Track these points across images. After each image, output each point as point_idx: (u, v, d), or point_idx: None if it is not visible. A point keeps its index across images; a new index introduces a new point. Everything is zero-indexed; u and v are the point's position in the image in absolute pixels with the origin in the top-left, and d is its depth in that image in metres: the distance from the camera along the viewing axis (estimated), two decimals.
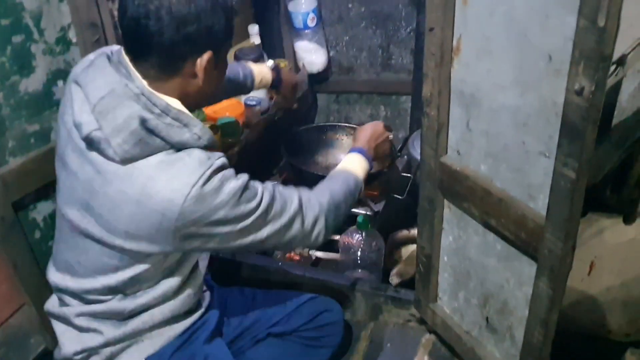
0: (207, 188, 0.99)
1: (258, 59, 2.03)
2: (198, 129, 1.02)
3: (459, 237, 1.32)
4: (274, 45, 2.34)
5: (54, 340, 1.39)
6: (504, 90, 1.06)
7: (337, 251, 1.83)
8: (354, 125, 2.20)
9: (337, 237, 1.79)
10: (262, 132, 2.08)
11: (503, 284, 1.22)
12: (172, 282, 1.16)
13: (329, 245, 1.89)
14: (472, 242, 1.28)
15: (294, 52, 2.37)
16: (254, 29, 2.16)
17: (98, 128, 0.98)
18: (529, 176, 1.06)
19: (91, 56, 1.09)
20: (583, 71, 0.85)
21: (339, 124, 2.26)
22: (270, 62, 1.83)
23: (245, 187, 1.04)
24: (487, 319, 1.30)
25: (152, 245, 1.03)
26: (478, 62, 1.10)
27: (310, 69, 2.38)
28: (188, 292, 1.21)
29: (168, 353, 1.19)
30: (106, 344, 1.15)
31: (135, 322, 1.16)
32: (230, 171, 1.04)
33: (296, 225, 1.14)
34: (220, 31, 1.02)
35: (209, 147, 1.04)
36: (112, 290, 1.12)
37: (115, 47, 1.08)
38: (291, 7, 2.25)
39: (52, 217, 1.45)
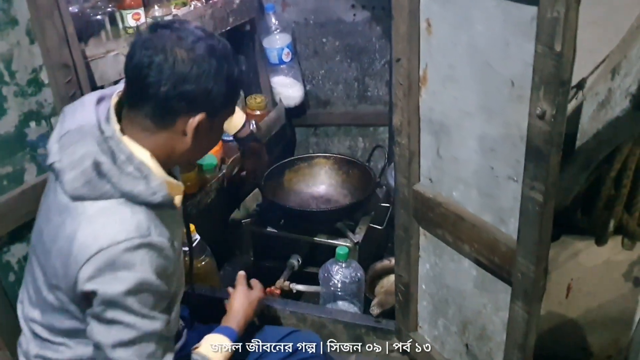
0: (124, 257, 0.94)
1: None
2: (156, 184, 1.00)
3: (435, 264, 1.32)
4: (251, 80, 2.37)
5: None
6: (471, 117, 1.08)
7: (317, 284, 1.82)
8: (335, 155, 2.22)
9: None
10: (240, 167, 2.09)
11: (480, 309, 1.21)
12: None
13: (309, 278, 1.88)
14: (449, 268, 1.28)
15: (271, 87, 2.40)
16: None
17: (59, 159, 0.99)
18: (499, 200, 1.07)
19: (88, 95, 1.12)
20: (544, 96, 0.87)
21: (316, 154, 2.27)
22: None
23: (155, 292, 0.99)
24: (467, 345, 1.29)
25: (68, 291, 0.99)
26: (444, 91, 1.12)
27: (287, 103, 2.40)
28: None
29: None
30: None
31: None
32: (158, 256, 0.99)
33: None
34: (218, 97, 1.00)
35: (161, 207, 1.02)
36: (61, 334, 1.09)
37: (113, 90, 1.09)
38: (266, 43, 2.28)
39: (26, 259, 1.43)
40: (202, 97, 0.99)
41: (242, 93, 2.15)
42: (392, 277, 1.94)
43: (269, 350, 1.39)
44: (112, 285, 0.95)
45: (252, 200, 2.24)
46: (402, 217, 1.34)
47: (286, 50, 2.28)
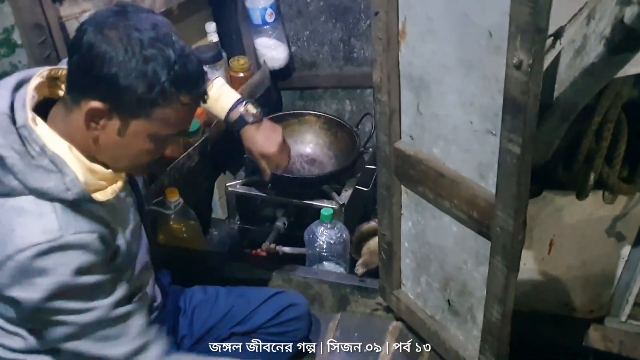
0: (35, 263, 0.88)
1: (216, 57, 2.01)
2: (69, 180, 0.91)
3: (417, 222, 1.32)
4: (233, 42, 2.32)
5: None
6: (450, 71, 1.06)
7: (304, 246, 1.82)
8: (325, 114, 2.20)
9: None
10: (223, 130, 2.06)
11: (461, 265, 1.22)
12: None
13: (296, 240, 1.88)
14: (430, 226, 1.28)
15: (255, 49, 2.35)
16: (210, 26, 2.13)
17: None
18: (478, 155, 1.06)
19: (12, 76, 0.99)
20: (520, 45, 0.85)
21: (308, 111, 2.24)
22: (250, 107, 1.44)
23: (81, 288, 0.93)
24: (448, 301, 1.30)
25: None
26: (424, 44, 1.10)
27: (272, 65, 2.36)
28: None
29: None
30: None
31: None
32: (79, 253, 0.92)
33: None
34: (129, 94, 0.89)
35: (78, 203, 0.93)
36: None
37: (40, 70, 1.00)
38: (248, 3, 2.22)
39: None
40: (107, 84, 0.88)
41: (225, 55, 2.11)
42: (377, 239, 1.95)
43: (252, 313, 1.41)
44: (30, 293, 0.90)
45: (239, 163, 2.23)
46: (384, 176, 1.34)
47: (269, 11, 2.24)
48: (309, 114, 2.21)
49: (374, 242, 1.93)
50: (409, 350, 1.48)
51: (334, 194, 1.92)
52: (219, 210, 2.26)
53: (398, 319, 1.57)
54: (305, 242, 1.79)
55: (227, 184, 2.03)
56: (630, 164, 1.23)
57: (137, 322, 1.05)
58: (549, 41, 0.96)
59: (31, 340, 1.01)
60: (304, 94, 2.61)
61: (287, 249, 1.88)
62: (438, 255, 1.28)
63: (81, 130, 0.93)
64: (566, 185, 1.27)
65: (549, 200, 1.30)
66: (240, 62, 2.18)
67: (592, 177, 1.18)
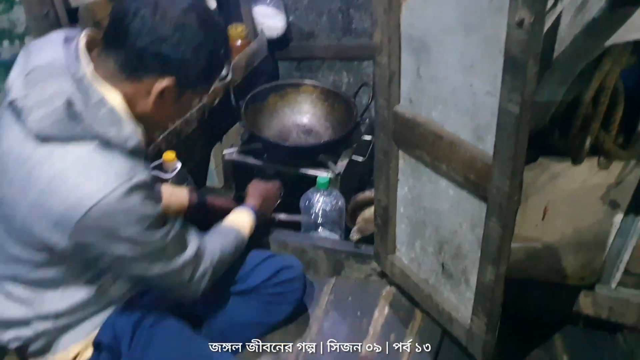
0: (119, 203, 0.94)
1: None
2: (127, 131, 0.98)
3: (413, 186, 1.33)
4: (231, 9, 2.31)
5: None
6: (451, 33, 1.06)
7: (299, 213, 1.83)
8: (323, 85, 2.20)
9: None
10: (222, 98, 2.06)
11: (456, 228, 1.23)
12: (89, 286, 1.11)
13: (291, 208, 1.89)
14: (426, 190, 1.29)
15: (252, 17, 2.34)
16: None
17: (25, 95, 0.94)
18: (477, 118, 1.07)
19: (54, 32, 1.05)
20: (522, 3, 0.86)
21: (305, 81, 2.24)
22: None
23: (157, 217, 1.02)
24: (442, 265, 1.32)
25: (47, 241, 0.98)
26: (425, 6, 1.10)
27: (269, 34, 2.35)
28: (125, 285, 1.18)
29: (109, 328, 1.15)
30: (42, 334, 1.11)
31: (67, 318, 1.11)
32: (149, 191, 1.00)
33: (185, 274, 1.13)
34: (194, 70, 1.00)
35: (134, 153, 1.00)
36: (27, 284, 1.07)
37: (78, 31, 1.04)
38: None
39: None
40: (177, 64, 0.98)
41: (222, 22, 2.10)
42: (373, 208, 1.96)
43: (248, 274, 1.42)
44: (118, 232, 0.98)
45: (235, 132, 2.23)
46: (382, 141, 1.34)
47: None
48: (307, 84, 2.21)
49: (369, 212, 1.94)
50: (402, 314, 1.51)
51: (330, 164, 1.93)
52: (214, 178, 2.27)
53: (392, 284, 1.59)
54: (301, 209, 1.80)
55: (224, 152, 2.04)
56: (625, 131, 1.24)
57: (187, 232, 1.14)
58: (551, 2, 0.97)
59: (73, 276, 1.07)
60: (301, 65, 2.61)
61: (282, 216, 1.89)
62: (433, 219, 1.30)
63: (135, 95, 1.00)
64: (562, 152, 1.28)
65: (545, 167, 1.32)
66: (238, 29, 2.18)
67: (588, 141, 1.19)
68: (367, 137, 2.05)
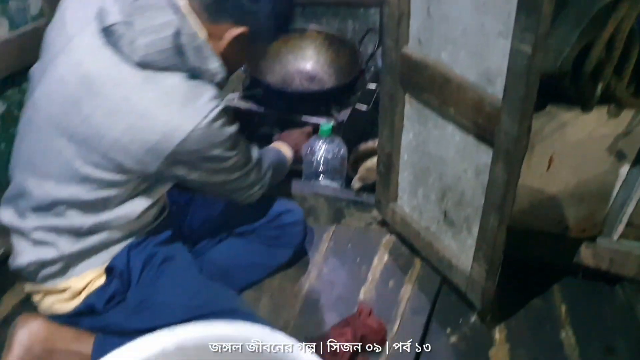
0: (214, 125, 1.02)
1: None
2: (217, 66, 1.05)
3: (419, 133, 1.31)
4: None
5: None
6: None
7: (300, 162, 1.81)
8: (327, 31, 2.15)
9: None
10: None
11: (461, 175, 1.22)
12: (138, 204, 1.13)
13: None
14: (432, 136, 1.27)
15: None
16: None
17: (127, 22, 0.97)
18: (487, 60, 1.04)
19: None
20: None
21: (309, 27, 2.18)
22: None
23: (235, 135, 1.10)
24: (445, 213, 1.31)
25: (135, 164, 1.03)
26: None
27: None
28: (153, 213, 1.20)
29: (125, 257, 1.16)
30: (61, 258, 1.12)
31: (92, 239, 1.13)
32: (229, 116, 1.08)
33: (252, 176, 1.23)
34: (265, 24, 1.07)
35: (219, 85, 1.08)
36: (74, 204, 1.08)
37: None
38: None
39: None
40: (253, 17, 1.05)
41: None
42: (375, 159, 1.94)
43: (249, 216, 1.42)
44: (213, 150, 1.06)
45: (236, 78, 2.19)
46: (388, 84, 1.31)
47: None
48: (311, 29, 2.16)
49: (371, 161, 1.92)
50: (401, 262, 1.51)
51: (333, 111, 1.90)
52: None
53: (392, 232, 1.59)
54: (302, 156, 1.78)
55: (225, 98, 2.00)
56: (638, 79, 1.21)
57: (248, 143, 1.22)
58: None
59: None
60: (306, 11, 2.53)
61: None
62: (437, 166, 1.28)
63: (210, 36, 1.05)
64: (571, 99, 1.25)
65: (553, 115, 1.29)
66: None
67: (599, 87, 1.16)
68: (372, 86, 2.01)
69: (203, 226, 1.39)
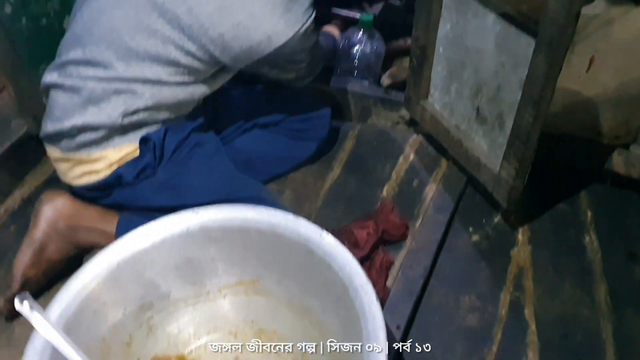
0: (307, 32, 1.13)
1: None
2: None
3: (456, 23, 1.25)
4: None
5: (35, 122, 1.38)
6: None
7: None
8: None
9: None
10: None
11: (498, 69, 1.17)
12: (199, 90, 1.18)
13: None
14: (470, 27, 1.21)
15: None
16: None
17: None
18: None
19: None
20: None
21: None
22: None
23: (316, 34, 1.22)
24: (477, 109, 1.27)
25: (228, 59, 1.12)
26: None
27: None
28: (204, 97, 1.22)
29: (162, 133, 1.17)
30: (105, 126, 1.12)
31: (143, 115, 1.13)
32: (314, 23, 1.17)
33: (314, 69, 1.33)
34: None
35: None
36: (147, 82, 1.10)
37: None
38: None
39: None
40: None
41: None
42: (406, 59, 1.88)
43: (275, 108, 1.40)
44: (300, 55, 1.20)
45: None
46: None
47: None
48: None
49: (402, 60, 1.87)
50: (427, 161, 1.49)
51: (365, 4, 1.82)
52: None
53: (419, 133, 1.56)
54: (338, 49, 1.71)
55: None
56: None
57: None
58: None
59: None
60: None
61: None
62: (474, 59, 1.23)
63: None
64: None
65: (600, 10, 1.22)
66: None
67: None
68: None
69: (228, 114, 1.37)
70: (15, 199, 1.40)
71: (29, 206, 1.30)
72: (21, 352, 0.83)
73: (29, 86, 1.35)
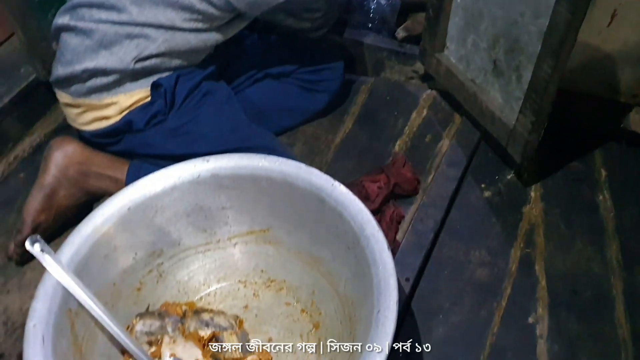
0: None
1: None
2: None
3: None
4: None
5: (44, 69, 1.36)
6: None
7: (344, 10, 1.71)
8: None
9: None
10: None
11: (517, 19, 1.13)
12: (211, 38, 1.16)
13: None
14: None
15: None
16: None
17: None
18: None
19: None
20: None
21: None
22: None
23: None
24: (494, 62, 1.24)
25: (244, 5, 1.10)
26: None
27: None
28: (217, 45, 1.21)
29: (173, 79, 1.15)
30: (116, 70, 1.10)
31: (155, 60, 1.12)
32: None
33: (329, 21, 1.37)
34: None
35: None
36: (161, 27, 1.09)
37: None
38: None
39: None
40: None
41: None
42: (421, 13, 1.83)
43: (287, 59, 1.37)
44: (316, 4, 1.25)
45: None
46: None
47: None
48: None
49: (417, 14, 1.82)
50: (440, 117, 1.47)
51: None
52: None
53: (433, 88, 1.53)
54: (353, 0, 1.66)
55: None
56: None
57: None
58: None
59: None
60: None
61: None
62: (492, 9, 1.20)
63: None
64: None
65: None
66: None
67: None
68: None
69: (240, 62, 1.35)
70: (24, 146, 1.39)
71: (39, 153, 1.29)
72: (32, 297, 0.83)
73: (38, 32, 1.33)
